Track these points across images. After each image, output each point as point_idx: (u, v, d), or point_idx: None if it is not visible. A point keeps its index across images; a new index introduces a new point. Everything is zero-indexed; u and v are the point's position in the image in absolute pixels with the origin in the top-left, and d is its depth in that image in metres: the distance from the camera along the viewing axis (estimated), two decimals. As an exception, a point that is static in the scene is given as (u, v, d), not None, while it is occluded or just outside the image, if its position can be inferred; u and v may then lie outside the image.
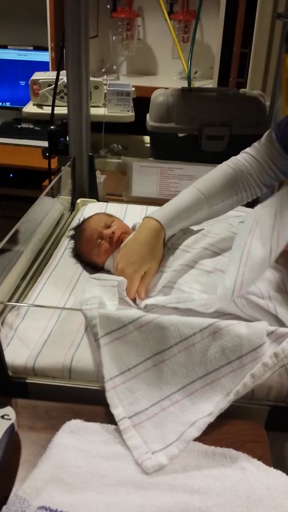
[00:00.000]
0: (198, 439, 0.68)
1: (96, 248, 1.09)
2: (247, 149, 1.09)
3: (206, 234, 1.02)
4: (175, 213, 1.01)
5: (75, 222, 1.31)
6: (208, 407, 0.69)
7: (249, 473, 0.64)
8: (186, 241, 1.01)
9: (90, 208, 1.42)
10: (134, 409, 0.70)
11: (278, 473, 0.65)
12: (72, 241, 1.19)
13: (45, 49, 2.42)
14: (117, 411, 0.70)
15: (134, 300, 0.95)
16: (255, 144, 1.09)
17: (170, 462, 0.65)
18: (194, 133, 1.62)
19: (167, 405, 0.70)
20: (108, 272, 1.08)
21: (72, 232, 1.21)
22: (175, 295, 0.92)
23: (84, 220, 1.18)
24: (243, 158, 1.08)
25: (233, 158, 1.09)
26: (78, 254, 1.15)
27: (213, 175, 1.06)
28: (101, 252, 1.08)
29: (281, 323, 0.82)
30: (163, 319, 0.75)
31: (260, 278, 0.84)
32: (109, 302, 0.88)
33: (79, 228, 1.17)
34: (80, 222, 1.20)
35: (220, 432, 0.70)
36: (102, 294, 0.92)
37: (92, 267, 1.12)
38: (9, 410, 0.69)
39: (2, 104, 2.66)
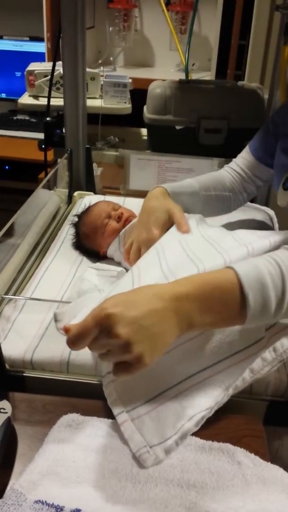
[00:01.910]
0: (195, 434, 0.68)
1: (103, 228, 1.10)
2: (228, 165, 1.16)
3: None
4: (178, 185, 1.04)
5: (72, 215, 1.31)
6: (207, 401, 0.69)
7: (245, 467, 0.65)
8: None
9: (87, 201, 1.41)
10: (132, 403, 0.70)
11: (275, 468, 0.65)
12: (74, 229, 1.19)
13: (41, 40, 2.40)
14: (115, 404, 0.70)
15: None
16: (234, 159, 1.16)
17: (168, 456, 0.65)
18: (192, 125, 1.61)
19: (165, 400, 0.70)
20: (109, 261, 1.08)
21: (74, 219, 1.21)
22: None
23: (90, 206, 1.20)
24: (226, 171, 1.15)
25: (216, 172, 1.16)
26: (80, 240, 1.15)
27: (207, 174, 1.13)
28: (109, 231, 1.09)
29: None
30: None
31: None
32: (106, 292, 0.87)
33: (85, 211, 1.18)
34: (85, 208, 1.22)
35: (217, 427, 0.70)
36: (100, 284, 0.92)
37: (93, 255, 1.12)
38: (5, 404, 0.69)
39: (-2, 95, 2.64)
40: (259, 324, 0.69)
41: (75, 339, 0.61)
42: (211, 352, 0.71)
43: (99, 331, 0.59)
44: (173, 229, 0.93)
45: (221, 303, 0.64)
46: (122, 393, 0.71)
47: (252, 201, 1.47)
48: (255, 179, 1.13)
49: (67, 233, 1.23)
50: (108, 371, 0.72)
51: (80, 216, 1.19)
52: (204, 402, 0.69)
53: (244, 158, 1.13)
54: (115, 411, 0.69)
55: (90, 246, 1.13)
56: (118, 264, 1.07)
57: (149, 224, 0.95)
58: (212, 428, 0.70)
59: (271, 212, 1.38)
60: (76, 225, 1.18)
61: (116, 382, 0.72)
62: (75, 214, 1.24)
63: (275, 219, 1.34)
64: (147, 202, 1.00)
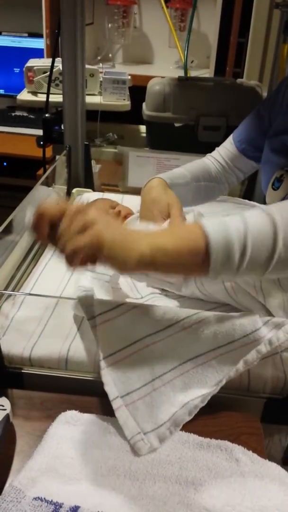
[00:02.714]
0: (193, 431, 0.68)
1: None
2: (211, 153, 1.17)
3: None
4: (173, 174, 1.05)
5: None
6: (199, 389, 0.70)
7: (243, 464, 0.65)
8: None
9: (86, 198, 1.41)
10: (126, 388, 0.71)
11: (273, 465, 0.65)
12: None
13: (40, 36, 2.39)
14: (110, 390, 0.70)
15: None
16: (217, 148, 1.17)
17: (163, 445, 0.67)
18: (191, 123, 1.61)
19: (158, 385, 0.71)
20: None
21: None
22: None
23: (88, 203, 1.21)
24: (209, 160, 1.16)
25: (200, 160, 1.17)
26: None
27: (195, 164, 1.13)
28: None
29: (269, 314, 0.82)
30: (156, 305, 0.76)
31: None
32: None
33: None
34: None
35: (215, 424, 0.71)
36: (97, 288, 0.92)
37: None
38: (4, 401, 0.69)
39: (-4, 91, 2.63)
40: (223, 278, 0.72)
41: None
42: (205, 341, 0.72)
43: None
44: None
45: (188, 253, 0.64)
46: (117, 379, 0.71)
47: (249, 199, 1.48)
48: (237, 172, 1.14)
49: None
50: (105, 355, 0.72)
51: None
52: (197, 390, 0.70)
53: (227, 150, 1.14)
54: (110, 396, 0.70)
55: None
56: None
57: (154, 218, 0.96)
58: (210, 425, 0.70)
59: None
60: None
61: (111, 367, 0.72)
62: None
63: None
64: (148, 195, 1.01)
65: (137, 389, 0.71)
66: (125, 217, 1.11)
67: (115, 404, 0.69)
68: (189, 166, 1.11)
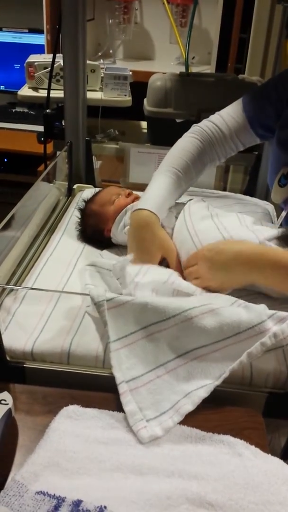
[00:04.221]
0: (196, 426, 0.68)
1: (111, 203, 1.13)
2: (212, 118, 1.10)
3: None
4: (163, 199, 1.00)
5: (72, 208, 1.32)
6: (203, 380, 0.70)
7: (246, 459, 0.65)
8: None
9: (87, 194, 1.41)
10: (131, 373, 0.72)
11: (275, 460, 0.65)
12: (79, 213, 1.20)
13: (41, 32, 2.39)
14: (117, 374, 0.71)
15: None
16: (220, 113, 1.10)
17: (165, 434, 0.67)
18: (192, 118, 1.60)
19: (162, 373, 0.72)
20: (111, 249, 1.11)
21: (81, 204, 1.23)
22: None
23: (98, 191, 1.24)
24: (207, 127, 1.08)
25: (197, 128, 1.09)
26: (86, 221, 1.17)
27: (183, 151, 1.06)
28: (117, 205, 1.12)
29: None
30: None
31: None
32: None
33: (95, 193, 1.23)
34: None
35: (218, 419, 0.70)
36: (98, 281, 0.93)
37: (96, 240, 1.14)
38: (6, 395, 0.69)
39: (-3, 87, 2.63)
40: None
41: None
42: (211, 331, 0.72)
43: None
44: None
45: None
46: (122, 363, 0.72)
47: (251, 195, 1.47)
48: (237, 143, 1.08)
49: (67, 225, 1.23)
50: (114, 339, 0.73)
51: (89, 198, 1.22)
52: (200, 380, 0.70)
53: (234, 120, 1.06)
54: (117, 380, 0.71)
55: (95, 225, 1.13)
56: (118, 251, 1.10)
57: (149, 260, 0.94)
58: (213, 420, 0.70)
59: (270, 207, 1.37)
60: (82, 209, 1.20)
61: (118, 351, 0.73)
62: (82, 200, 1.25)
63: (274, 213, 1.34)
64: (138, 231, 0.96)
65: (141, 375, 0.72)
66: (136, 198, 1.14)
67: (121, 389, 0.70)
68: (176, 163, 1.04)
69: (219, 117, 1.08)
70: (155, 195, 1.00)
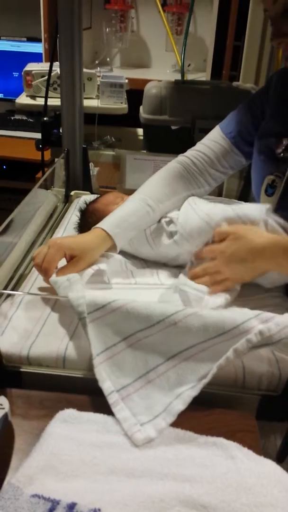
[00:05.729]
0: (189, 428, 0.69)
1: (115, 204, 1.12)
2: (195, 147, 1.12)
3: None
4: (124, 223, 1.00)
5: (69, 214, 1.33)
6: (193, 379, 0.71)
7: (239, 461, 0.65)
8: None
9: (83, 200, 1.42)
10: (121, 382, 0.72)
11: (268, 462, 0.66)
12: (80, 214, 1.22)
13: (39, 40, 2.41)
14: (106, 385, 0.72)
15: None
16: (203, 141, 1.11)
17: (159, 435, 0.67)
18: (187, 125, 1.62)
19: (152, 378, 0.72)
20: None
21: (82, 205, 1.24)
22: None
23: (99, 197, 1.25)
24: (192, 155, 1.10)
25: (180, 156, 1.11)
26: (87, 219, 1.18)
27: (159, 178, 1.08)
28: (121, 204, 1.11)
29: None
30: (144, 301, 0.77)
31: None
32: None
33: (99, 196, 1.25)
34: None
35: (211, 422, 0.71)
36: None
37: None
38: (3, 400, 0.69)
39: (-5, 95, 2.65)
40: None
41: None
42: (196, 333, 0.73)
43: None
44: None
45: None
46: (111, 373, 0.73)
47: (246, 200, 1.48)
48: (226, 168, 1.10)
49: (64, 231, 1.24)
50: (97, 353, 0.74)
51: (93, 199, 1.23)
52: (190, 380, 0.71)
53: (217, 144, 1.08)
54: (106, 391, 0.71)
55: (96, 223, 1.14)
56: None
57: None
58: (206, 422, 0.71)
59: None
60: (84, 209, 1.21)
61: (104, 363, 0.73)
62: (84, 202, 1.26)
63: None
64: (88, 243, 0.98)
65: (132, 382, 0.72)
66: None
67: (111, 399, 0.71)
68: (147, 190, 1.06)
69: (202, 145, 1.10)
70: (118, 218, 1.01)
